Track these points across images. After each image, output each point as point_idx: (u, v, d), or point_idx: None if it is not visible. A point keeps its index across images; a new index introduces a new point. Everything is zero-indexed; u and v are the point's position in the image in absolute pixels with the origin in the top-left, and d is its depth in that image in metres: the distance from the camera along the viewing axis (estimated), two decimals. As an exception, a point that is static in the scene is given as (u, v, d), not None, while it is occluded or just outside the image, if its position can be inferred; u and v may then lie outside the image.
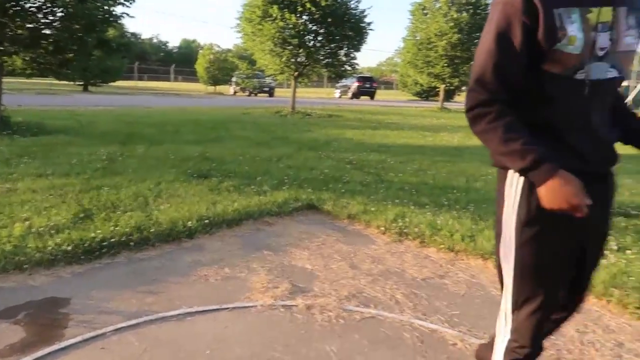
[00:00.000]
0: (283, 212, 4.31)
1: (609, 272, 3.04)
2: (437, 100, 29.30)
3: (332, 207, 4.44)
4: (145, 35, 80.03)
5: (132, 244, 3.35)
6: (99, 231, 3.38)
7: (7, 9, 7.51)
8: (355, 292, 2.85)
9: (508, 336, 1.46)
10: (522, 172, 1.29)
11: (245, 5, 15.41)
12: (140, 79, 41.34)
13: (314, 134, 10.32)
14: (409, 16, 23.48)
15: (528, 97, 1.33)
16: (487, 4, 22.13)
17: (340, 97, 37.05)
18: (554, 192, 1.23)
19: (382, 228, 3.97)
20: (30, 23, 8.12)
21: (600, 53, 1.27)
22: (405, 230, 3.89)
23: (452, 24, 21.25)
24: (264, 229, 3.94)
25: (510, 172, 1.38)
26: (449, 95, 34.87)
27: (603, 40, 1.26)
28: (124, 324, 2.35)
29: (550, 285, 1.39)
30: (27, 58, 8.34)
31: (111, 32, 9.99)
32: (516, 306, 1.42)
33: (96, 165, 5.68)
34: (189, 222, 3.72)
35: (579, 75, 1.27)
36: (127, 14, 9.03)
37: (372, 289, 2.90)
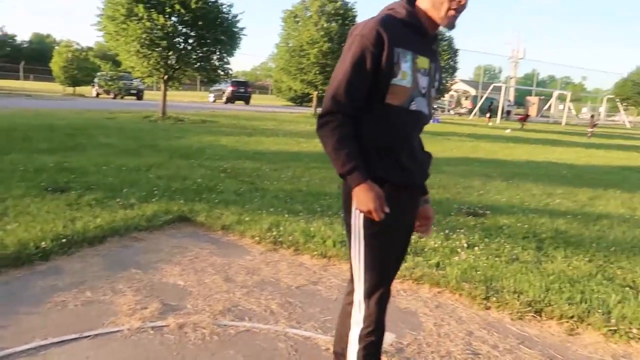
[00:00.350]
0: (153, 226, 4.09)
1: (460, 268, 3.40)
2: (310, 106, 30.18)
3: (206, 219, 4.33)
4: (-14, 27, 70.34)
5: (-30, 272, 2.93)
6: None
7: None
8: (230, 306, 2.81)
9: (361, 325, 1.70)
10: (340, 176, 1.60)
11: (107, 2, 14.36)
12: (-20, 76, 36.30)
13: (187, 140, 9.97)
14: (281, 23, 23.89)
15: (376, 125, 1.62)
16: (354, 16, 23.38)
17: (214, 101, 36.32)
18: (360, 196, 1.55)
19: (257, 238, 3.98)
20: None
21: (423, 91, 1.64)
22: (279, 239, 3.93)
23: (322, 32, 22.06)
24: (132, 245, 3.71)
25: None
26: (322, 101, 36.19)
27: (423, 82, 1.63)
28: (-41, 368, 2.05)
29: (392, 272, 1.78)
30: None
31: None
32: (367, 295, 1.69)
33: None
34: (43, 243, 3.36)
35: (412, 107, 1.61)
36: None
37: (247, 301, 2.89)
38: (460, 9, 1.58)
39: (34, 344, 2.27)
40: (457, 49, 30.11)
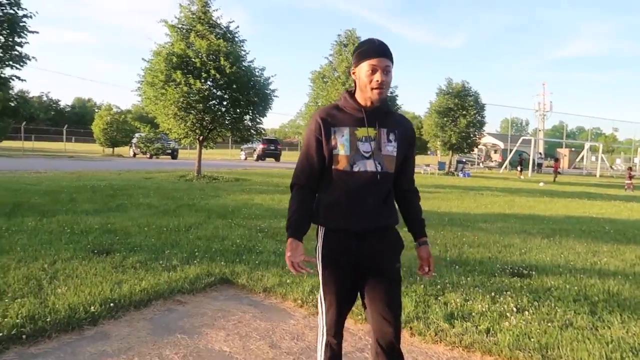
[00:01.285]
0: (195, 288, 4.12)
1: (512, 335, 3.27)
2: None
3: (247, 281, 4.34)
4: (33, 92, 75.10)
5: (24, 337, 2.98)
6: (-18, 325, 2.98)
7: None
8: (277, 375, 2.76)
9: (325, 336, 2.11)
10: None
11: (147, 70, 15.20)
12: (27, 139, 38.28)
13: (222, 199, 10.16)
14: (309, 83, 24.70)
15: (327, 185, 2.07)
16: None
17: (245, 158, 37.17)
18: (286, 249, 2.02)
19: (299, 301, 3.95)
20: None
21: (366, 154, 2.01)
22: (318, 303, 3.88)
23: (351, 92, 22.63)
24: (176, 309, 3.73)
25: (318, 228, 2.11)
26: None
27: (366, 147, 2.01)
28: None
29: (339, 296, 2.09)
30: None
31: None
32: (323, 310, 2.11)
33: (-23, 243, 5.08)
34: (92, 307, 3.42)
35: (355, 168, 2.01)
36: (18, 77, 8.48)
37: (295, 370, 2.83)
38: (382, 85, 1.95)
39: (87, 415, 2.26)
40: (483, 104, 30.25)
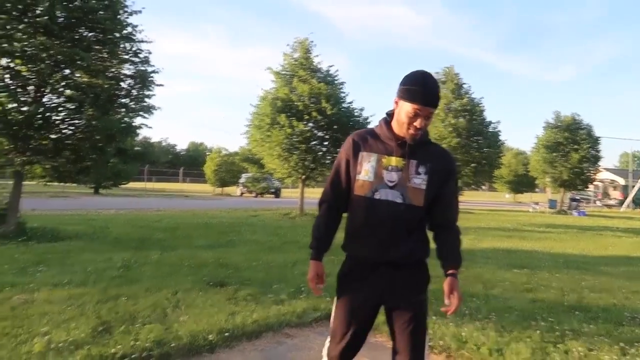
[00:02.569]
0: (302, 322, 4.23)
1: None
2: (440, 201, 29.69)
3: (352, 318, 4.35)
4: (154, 138, 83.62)
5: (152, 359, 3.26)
6: (119, 346, 3.32)
7: (33, 122, 7.96)
8: (387, 414, 2.72)
9: (326, 355, 2.18)
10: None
11: (255, 114, 16.28)
12: (149, 180, 42.35)
13: (324, 237, 10.35)
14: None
15: (350, 210, 2.10)
16: (481, 111, 23.32)
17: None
18: (309, 271, 2.15)
19: (406, 340, 3.87)
20: (54, 134, 8.56)
21: (390, 184, 1.98)
22: (429, 343, 3.78)
23: (450, 128, 22.25)
24: (285, 342, 3.85)
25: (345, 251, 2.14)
26: (452, 195, 35.40)
27: (391, 176, 1.99)
28: None
29: (347, 321, 2.09)
30: (47, 166, 8.66)
31: (128, 142, 10.46)
32: (331, 335, 2.17)
33: (112, 273, 5.68)
34: (210, 336, 3.65)
35: (376, 196, 1.99)
36: (146, 125, 9.54)
37: (404, 411, 2.77)
38: (419, 130, 1.95)
39: None
40: (597, 137, 27.94)
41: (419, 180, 1.98)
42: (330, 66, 17.04)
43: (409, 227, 2.00)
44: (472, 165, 22.66)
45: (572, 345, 3.75)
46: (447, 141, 22.00)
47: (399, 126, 1.98)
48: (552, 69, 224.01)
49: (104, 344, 3.38)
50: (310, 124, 15.75)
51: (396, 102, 2.00)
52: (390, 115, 2.07)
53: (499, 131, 23.58)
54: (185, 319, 4.00)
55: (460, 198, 42.57)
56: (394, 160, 1.99)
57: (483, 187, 46.03)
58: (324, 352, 2.21)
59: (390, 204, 1.97)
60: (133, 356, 3.23)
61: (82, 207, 16.44)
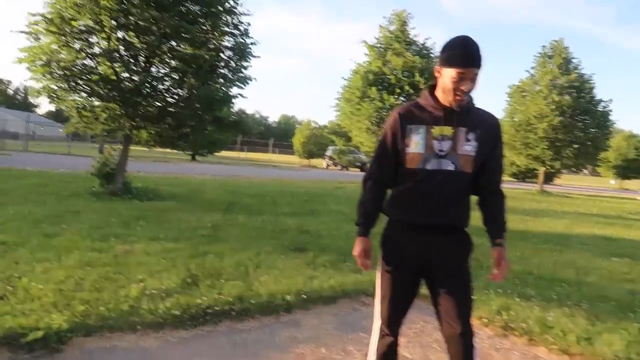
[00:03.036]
0: (379, 293, 4.23)
1: None
2: (535, 183, 27.96)
3: (430, 292, 4.29)
4: (249, 110, 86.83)
5: (233, 313, 3.46)
6: (204, 298, 3.56)
7: (142, 90, 8.59)
8: (458, 389, 2.66)
9: (378, 320, 2.20)
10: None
11: (346, 87, 16.26)
12: (241, 150, 44.28)
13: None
14: (506, 98, 23.29)
15: (399, 181, 2.09)
16: (591, 88, 21.38)
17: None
18: (355, 244, 2.17)
19: (485, 320, 3.75)
20: (159, 102, 9.19)
21: (441, 153, 1.98)
22: (510, 325, 3.63)
23: (553, 106, 20.67)
24: (360, 309, 3.89)
25: (386, 221, 2.17)
26: (549, 177, 33.22)
27: (443, 145, 1.98)
28: (225, 396, 2.39)
29: (395, 287, 2.14)
30: (152, 132, 9.34)
31: (224, 110, 10.94)
32: (379, 300, 2.19)
33: (202, 231, 6.06)
34: (287, 296, 3.79)
35: (428, 167, 1.99)
36: (242, 95, 9.90)
37: (477, 388, 2.69)
38: (465, 93, 1.92)
39: (280, 388, 2.52)
40: None
41: (470, 147, 1.99)
42: (427, 39, 16.53)
43: (458, 194, 2.04)
44: (575, 146, 20.94)
45: (675, 343, 3.40)
46: (548, 119, 20.51)
47: (445, 94, 1.97)
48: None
49: (191, 294, 3.64)
50: (402, 98, 15.44)
51: (438, 71, 1.99)
52: (432, 87, 2.07)
53: (610, 111, 21.51)
54: (266, 279, 4.18)
55: (558, 181, 39.85)
56: (443, 130, 1.99)
57: (585, 170, 42.59)
58: (376, 315, 2.23)
59: (442, 173, 1.99)
60: (216, 308, 3.44)
61: (181, 172, 17.62)
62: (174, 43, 8.78)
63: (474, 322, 3.75)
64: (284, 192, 12.56)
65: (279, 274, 4.36)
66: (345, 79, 16.51)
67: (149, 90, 8.69)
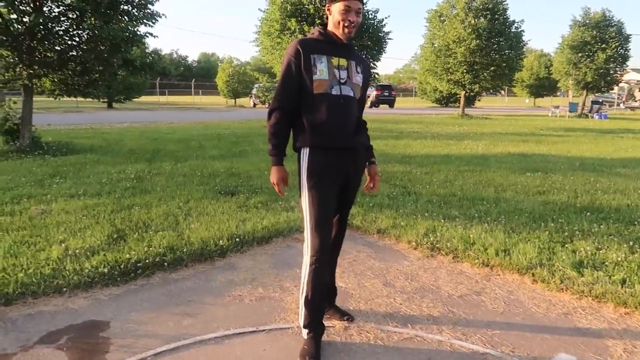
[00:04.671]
0: (312, 228, 4.29)
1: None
2: (457, 107, 29.06)
3: (361, 222, 4.42)
4: (165, 50, 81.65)
5: (166, 264, 3.37)
6: (133, 252, 3.43)
7: (36, 33, 7.72)
8: (391, 311, 2.82)
9: (308, 254, 2.29)
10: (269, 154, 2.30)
11: (264, 19, 15.60)
12: (161, 94, 42.01)
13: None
14: (425, 23, 23.46)
15: (309, 108, 2.23)
16: (505, 9, 21.96)
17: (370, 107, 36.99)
18: (272, 173, 2.33)
19: (414, 243, 3.94)
20: (58, 45, 8.34)
21: (342, 80, 2.24)
22: (437, 245, 3.84)
23: (470, 30, 21.14)
24: (294, 246, 3.94)
25: (301, 150, 2.26)
26: (469, 101, 34.62)
27: (341, 74, 2.24)
28: (163, 348, 2.37)
29: (324, 212, 2.26)
30: (55, 80, 8.55)
31: (135, 52, 10.15)
32: (310, 229, 2.27)
33: (126, 184, 5.78)
34: (220, 241, 3.75)
35: (333, 92, 2.21)
36: (151, 34, 9.19)
37: (409, 308, 2.86)
38: (352, 25, 2.20)
39: (219, 334, 2.53)
40: (628, 35, 26.27)
41: (359, 78, 2.33)
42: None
43: (357, 118, 2.38)
44: (492, 68, 21.76)
45: (580, 245, 3.76)
46: (466, 43, 21.01)
47: (335, 28, 2.23)
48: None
49: (118, 250, 3.50)
50: (322, 29, 15.06)
51: (329, 9, 2.25)
52: (324, 26, 2.32)
53: (522, 31, 22.33)
54: (197, 226, 4.09)
55: (478, 104, 41.60)
56: (340, 60, 2.26)
57: (502, 92, 44.72)
58: (305, 249, 2.32)
59: (346, 98, 2.24)
60: (147, 261, 3.34)
61: (96, 122, 16.52)
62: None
63: (404, 246, 3.96)
64: (210, 135, 12.18)
65: (210, 220, 4.29)
66: (262, 11, 15.82)
67: (44, 33, 7.82)
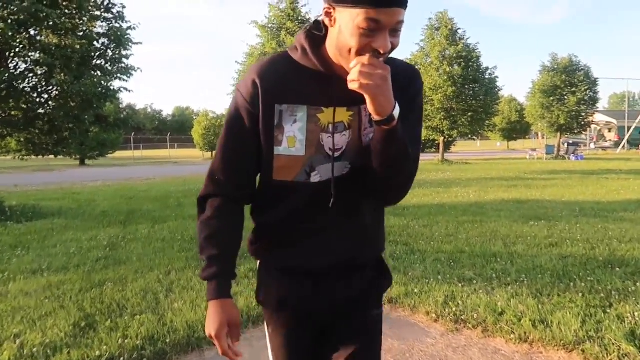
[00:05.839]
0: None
1: None
2: (435, 153, 29.24)
3: (369, 291, 3.89)
4: (140, 105, 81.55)
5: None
6: (104, 347, 2.83)
7: (1, 90, 7.21)
8: (431, 415, 2.26)
9: None
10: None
11: (241, 72, 15.45)
12: (136, 148, 41.39)
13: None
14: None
15: (267, 201, 1.24)
16: (478, 57, 22.51)
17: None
18: (208, 315, 1.20)
19: (433, 315, 3.41)
20: (24, 104, 7.82)
21: (337, 153, 1.16)
22: (461, 317, 3.33)
23: (445, 77, 21.49)
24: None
25: (257, 262, 1.36)
26: (446, 146, 35.03)
27: (335, 141, 1.15)
28: None
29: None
30: (21, 139, 7.97)
31: (108, 107, 9.70)
32: None
33: (97, 253, 5.15)
34: (210, 325, 3.15)
35: (314, 179, 1.16)
36: (126, 89, 8.82)
37: (451, 409, 2.31)
38: (381, 56, 1.04)
39: None
40: (596, 79, 27.25)
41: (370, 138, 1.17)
42: (319, 16, 16.11)
43: (366, 209, 1.25)
44: (469, 114, 22.02)
45: (622, 309, 3.30)
46: (442, 90, 21.30)
47: (340, 55, 1.07)
48: (541, 10, 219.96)
49: (86, 344, 2.89)
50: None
51: (329, 14, 1.06)
52: (313, 36, 1.15)
53: (496, 77, 22.86)
54: (181, 306, 3.50)
55: (453, 149, 42.16)
56: (338, 113, 1.14)
57: (474, 137, 45.70)
58: None
59: (342, 187, 1.18)
60: (122, 359, 2.73)
61: (68, 180, 15.77)
62: (33, 32, 7.44)
63: (422, 318, 3.44)
64: (189, 191, 11.60)
65: (196, 297, 3.70)
66: (239, 63, 15.71)
67: (9, 91, 7.31)
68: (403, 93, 1.12)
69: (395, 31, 1.02)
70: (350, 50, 1.03)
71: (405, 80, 1.18)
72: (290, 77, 1.14)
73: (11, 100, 7.50)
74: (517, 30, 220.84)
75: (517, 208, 8.01)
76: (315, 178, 1.16)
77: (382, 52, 1.00)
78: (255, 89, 1.14)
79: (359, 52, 1.01)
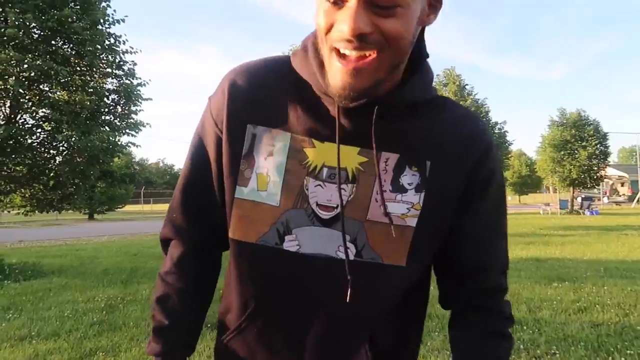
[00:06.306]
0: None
1: None
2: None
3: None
4: (151, 159, 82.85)
5: None
6: None
7: (5, 146, 7.15)
8: None
9: None
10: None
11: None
12: (146, 202, 41.45)
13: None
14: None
15: (233, 269, 0.87)
16: (487, 112, 22.60)
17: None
18: None
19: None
20: (29, 159, 7.76)
21: (324, 214, 0.76)
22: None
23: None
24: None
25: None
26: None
27: (327, 193, 0.75)
28: None
29: None
30: (26, 195, 7.85)
31: (117, 162, 9.64)
32: None
33: (92, 317, 4.83)
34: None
35: (287, 245, 0.77)
36: (134, 144, 8.75)
37: None
38: (357, 45, 0.65)
39: None
40: (605, 133, 27.21)
41: (401, 207, 0.76)
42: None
43: (376, 323, 0.84)
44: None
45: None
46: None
47: (327, 62, 0.70)
48: (545, 68, 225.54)
49: None
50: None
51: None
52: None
53: (506, 132, 22.86)
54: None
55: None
56: (343, 155, 0.75)
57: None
58: None
59: (323, 265, 0.77)
60: None
61: (74, 236, 15.57)
62: (43, 88, 7.48)
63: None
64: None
65: (193, 371, 3.35)
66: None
67: (15, 146, 7.25)
68: (465, 165, 0.76)
69: (381, 7, 0.62)
70: (323, 43, 0.68)
71: (472, 138, 0.78)
72: (277, 89, 0.77)
73: (14, 155, 7.43)
74: (523, 87, 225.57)
75: (537, 267, 7.61)
76: (290, 245, 0.77)
77: (348, 37, 0.62)
78: (224, 100, 0.79)
79: (329, 40, 0.66)
